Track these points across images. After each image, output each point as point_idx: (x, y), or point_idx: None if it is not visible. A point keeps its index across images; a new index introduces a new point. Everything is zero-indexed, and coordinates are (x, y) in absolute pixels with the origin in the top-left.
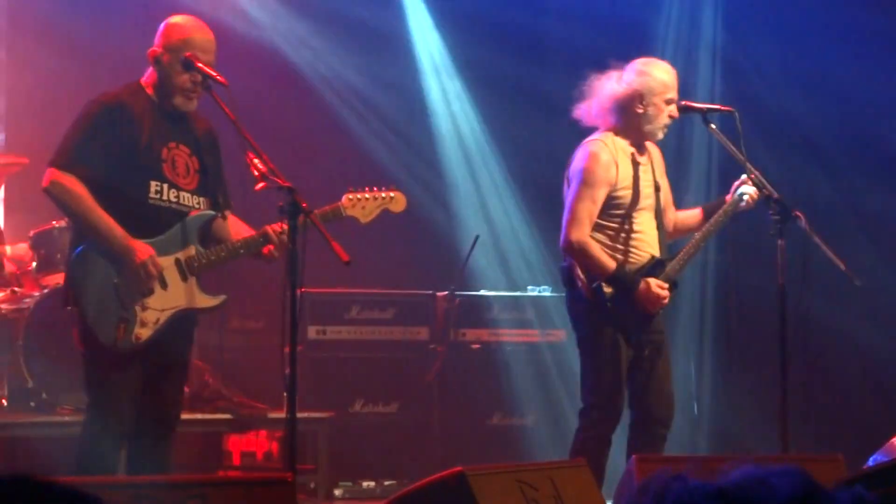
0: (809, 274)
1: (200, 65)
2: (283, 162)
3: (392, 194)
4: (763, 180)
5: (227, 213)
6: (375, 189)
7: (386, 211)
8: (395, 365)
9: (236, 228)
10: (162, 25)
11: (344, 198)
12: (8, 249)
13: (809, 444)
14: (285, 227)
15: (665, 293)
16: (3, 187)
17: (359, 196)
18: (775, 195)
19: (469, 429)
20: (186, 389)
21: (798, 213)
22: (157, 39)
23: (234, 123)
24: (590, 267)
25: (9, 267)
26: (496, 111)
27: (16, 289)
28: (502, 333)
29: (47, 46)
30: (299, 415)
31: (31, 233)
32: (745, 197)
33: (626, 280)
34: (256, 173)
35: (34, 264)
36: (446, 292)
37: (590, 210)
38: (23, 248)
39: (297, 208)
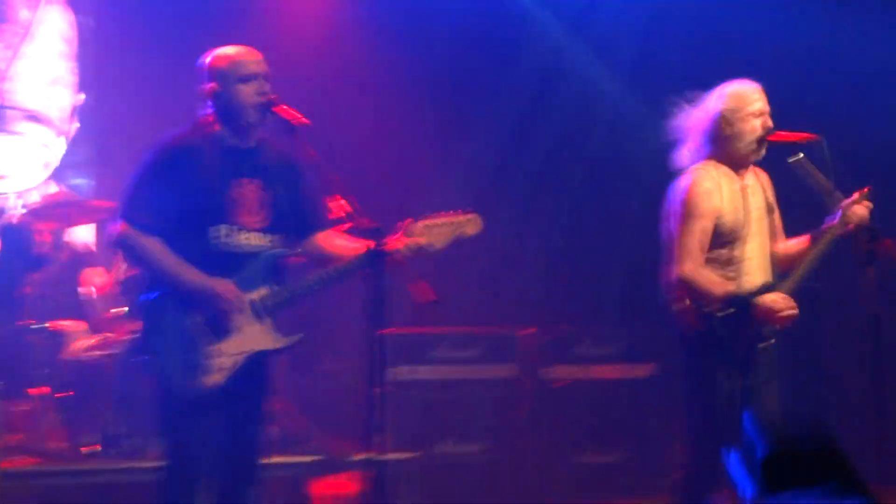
0: None
1: (281, 106)
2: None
3: (468, 217)
4: (853, 208)
5: (317, 234)
6: (450, 213)
7: (462, 235)
8: (482, 403)
9: (330, 244)
10: (203, 66)
11: (418, 224)
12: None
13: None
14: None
15: (782, 304)
16: (94, 227)
17: (433, 221)
18: (866, 223)
19: (560, 466)
20: (276, 428)
21: (888, 242)
22: (207, 77)
23: (317, 165)
24: (703, 296)
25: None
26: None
27: (108, 335)
28: (591, 369)
29: (134, 92)
30: (386, 456)
31: (122, 278)
32: (853, 218)
33: (740, 304)
34: (341, 214)
35: (126, 309)
36: (533, 329)
37: (701, 241)
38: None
39: (382, 250)
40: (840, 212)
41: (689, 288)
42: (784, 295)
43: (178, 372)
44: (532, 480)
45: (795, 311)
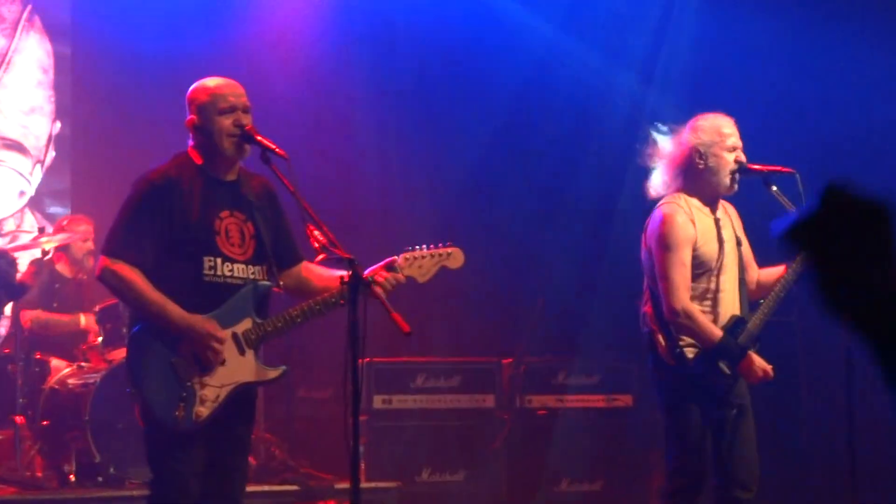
0: None
1: (259, 137)
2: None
3: (449, 251)
4: None
5: (300, 266)
6: (432, 246)
7: (444, 268)
8: (461, 433)
9: (314, 275)
10: (186, 98)
11: (401, 257)
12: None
13: None
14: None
15: (768, 370)
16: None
17: (415, 255)
18: None
19: (539, 496)
20: (253, 462)
21: None
22: (188, 109)
23: (293, 195)
24: (695, 335)
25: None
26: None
27: (82, 364)
28: (569, 399)
29: (111, 120)
30: (366, 485)
31: (97, 308)
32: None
33: (733, 351)
34: (317, 245)
35: (100, 339)
36: (511, 359)
37: (684, 274)
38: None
39: (359, 280)
40: None
41: (686, 322)
42: (764, 363)
43: (164, 405)
44: None
45: (770, 378)
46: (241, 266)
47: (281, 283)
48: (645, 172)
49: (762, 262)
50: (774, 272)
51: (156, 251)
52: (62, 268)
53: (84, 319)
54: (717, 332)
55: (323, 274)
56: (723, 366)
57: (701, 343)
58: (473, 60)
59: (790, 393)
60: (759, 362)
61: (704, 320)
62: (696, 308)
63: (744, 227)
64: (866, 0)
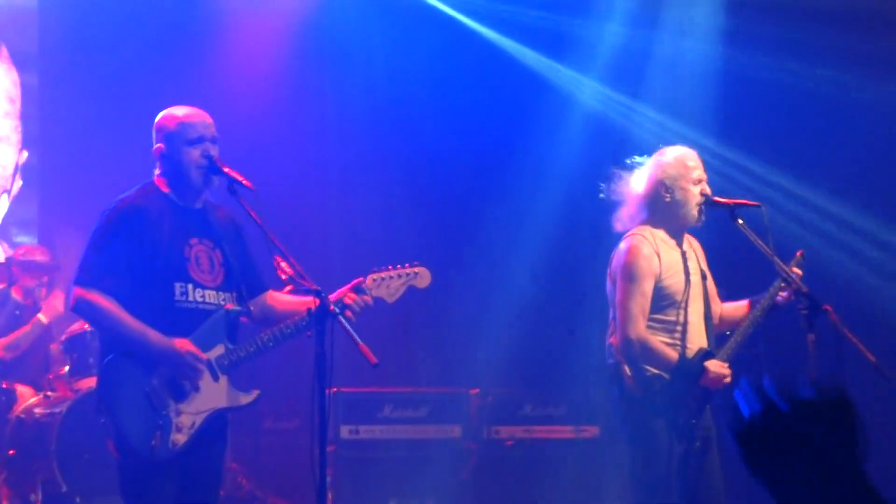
0: (842, 369)
1: (227, 169)
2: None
3: (416, 270)
4: (792, 274)
5: (266, 294)
6: (399, 266)
7: (412, 288)
8: (428, 463)
9: (277, 304)
10: (154, 126)
11: (368, 278)
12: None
13: None
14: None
15: (727, 370)
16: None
17: (383, 275)
18: (804, 289)
19: None
20: (221, 492)
21: (827, 308)
22: (156, 137)
23: (260, 227)
24: (652, 362)
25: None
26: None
27: (49, 393)
28: (536, 430)
29: (78, 150)
30: None
31: (63, 337)
32: (778, 296)
33: (691, 369)
34: (284, 276)
35: (67, 368)
36: (478, 389)
37: (641, 305)
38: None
39: (325, 311)
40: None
41: (640, 350)
42: (720, 361)
43: (140, 433)
44: None
45: (730, 378)
46: (212, 292)
47: (251, 308)
48: (612, 205)
49: (725, 295)
50: (737, 306)
51: (127, 278)
52: (16, 294)
53: (43, 317)
54: (674, 355)
55: (288, 300)
56: (690, 391)
57: (659, 365)
58: (450, 78)
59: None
60: (716, 365)
61: (659, 345)
62: (650, 336)
63: (707, 261)
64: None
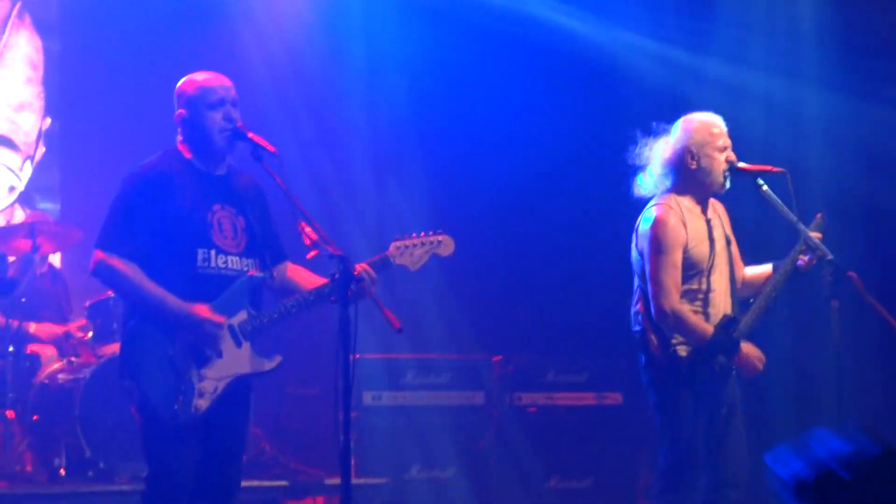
0: (865, 335)
1: (251, 135)
2: (324, 212)
3: (440, 238)
4: (816, 241)
5: (286, 264)
6: (423, 234)
7: (435, 256)
8: (450, 429)
9: (299, 277)
10: (175, 92)
11: (391, 246)
12: None
13: None
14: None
15: (761, 360)
16: (59, 255)
17: (406, 243)
18: (829, 256)
19: (527, 492)
20: (244, 457)
21: (852, 274)
22: (177, 103)
23: (285, 193)
24: (687, 334)
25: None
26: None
27: (73, 359)
28: (558, 397)
29: (101, 117)
30: (356, 481)
31: (87, 303)
32: (799, 260)
33: (727, 344)
34: (308, 242)
35: (91, 334)
36: (501, 356)
37: (674, 276)
38: None
39: (350, 277)
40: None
41: (676, 322)
42: (757, 350)
43: (162, 398)
44: None
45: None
46: (235, 258)
47: (273, 276)
48: (635, 170)
49: (749, 260)
50: (760, 270)
51: (149, 244)
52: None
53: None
54: (709, 329)
55: (309, 275)
56: (719, 360)
57: (693, 342)
58: (469, 47)
59: (780, 390)
60: (753, 351)
61: (695, 319)
62: (685, 308)
63: (731, 226)
64: None
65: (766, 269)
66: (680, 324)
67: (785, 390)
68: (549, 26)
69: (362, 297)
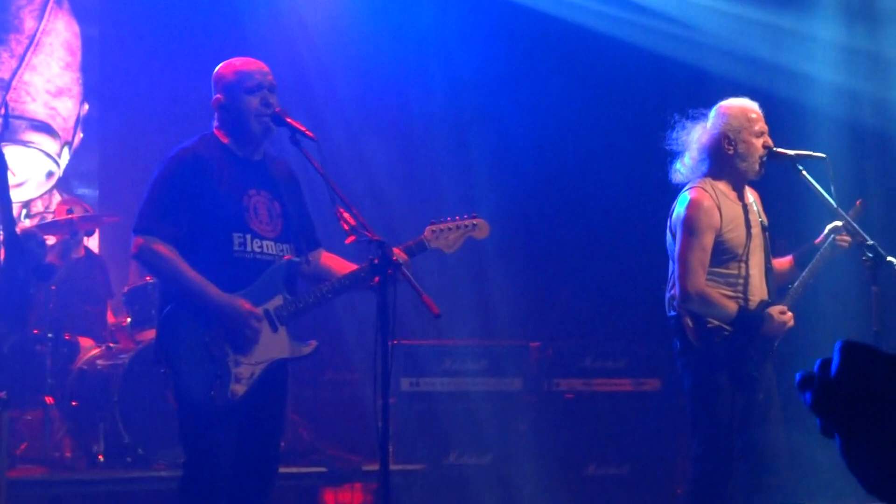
0: None
1: (289, 119)
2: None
3: (475, 222)
4: (856, 226)
5: (320, 251)
6: (457, 218)
7: (470, 239)
8: (488, 416)
9: (333, 264)
10: (213, 77)
11: (427, 230)
12: None
13: None
14: (373, 267)
15: (787, 315)
16: (97, 240)
17: (441, 227)
18: (869, 241)
19: (565, 479)
20: (281, 443)
21: (892, 259)
22: (214, 88)
23: (323, 178)
24: (712, 314)
25: None
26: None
27: (111, 344)
28: (596, 383)
29: (138, 102)
30: (393, 467)
31: (125, 289)
32: (839, 240)
33: (751, 320)
34: (346, 227)
35: (129, 320)
36: (539, 342)
37: (701, 258)
38: None
39: (388, 262)
40: (825, 234)
41: (700, 303)
42: (781, 307)
43: (200, 383)
44: (537, 493)
45: (792, 322)
46: (271, 243)
47: (308, 262)
48: (673, 156)
49: (783, 247)
50: (782, 261)
51: (185, 227)
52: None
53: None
54: (733, 306)
55: (342, 264)
56: (756, 343)
57: (719, 317)
58: (501, 33)
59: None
60: (777, 311)
61: (719, 298)
62: (709, 289)
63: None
64: None
65: (786, 259)
66: (705, 304)
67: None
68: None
69: (400, 282)
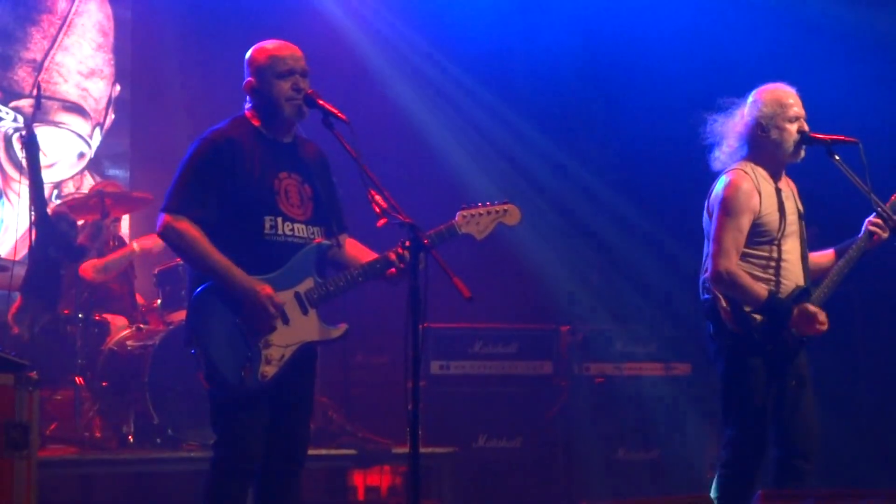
0: None
1: (322, 102)
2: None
3: (506, 207)
4: (889, 212)
5: (344, 236)
6: (489, 203)
7: (501, 225)
8: (518, 399)
9: (356, 251)
10: (245, 60)
11: (458, 215)
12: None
13: None
14: (403, 252)
15: (821, 315)
16: (127, 222)
17: (472, 212)
18: None
19: (595, 463)
20: (311, 425)
21: None
22: (246, 71)
23: (355, 160)
24: (741, 297)
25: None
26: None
27: (141, 326)
28: (626, 367)
29: (170, 84)
30: (423, 450)
31: (156, 270)
32: (873, 229)
33: (780, 308)
34: (378, 210)
35: (159, 301)
36: (569, 326)
37: (736, 239)
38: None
39: (419, 245)
40: (865, 227)
41: (730, 284)
42: (815, 306)
43: (230, 365)
44: (567, 476)
45: (826, 327)
46: (302, 226)
47: (337, 245)
48: (710, 146)
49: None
50: (823, 255)
51: (215, 209)
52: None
53: (137, 245)
54: (763, 292)
55: (365, 251)
56: (786, 337)
57: (749, 301)
58: (549, 23)
59: (849, 364)
60: (810, 309)
61: (750, 281)
62: (741, 271)
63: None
64: None
65: (827, 252)
66: (734, 285)
67: (855, 366)
68: None
69: (431, 265)
